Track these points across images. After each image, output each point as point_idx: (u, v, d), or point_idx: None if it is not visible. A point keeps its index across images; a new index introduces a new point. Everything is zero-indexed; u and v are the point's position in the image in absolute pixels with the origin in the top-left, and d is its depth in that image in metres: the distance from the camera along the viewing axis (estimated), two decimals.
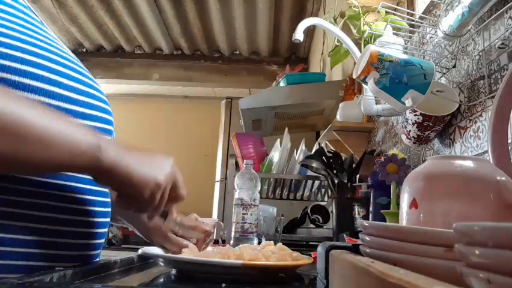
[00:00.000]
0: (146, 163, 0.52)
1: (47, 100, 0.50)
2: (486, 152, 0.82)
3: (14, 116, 0.41)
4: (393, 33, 1.26)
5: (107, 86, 4.23)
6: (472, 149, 0.89)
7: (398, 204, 0.89)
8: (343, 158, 1.38)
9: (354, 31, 1.35)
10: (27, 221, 0.51)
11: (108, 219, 0.64)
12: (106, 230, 0.63)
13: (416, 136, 1.00)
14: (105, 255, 0.71)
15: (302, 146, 1.60)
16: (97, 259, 0.63)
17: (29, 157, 0.43)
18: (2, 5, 0.52)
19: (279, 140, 1.71)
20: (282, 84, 1.93)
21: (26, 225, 0.51)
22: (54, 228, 0.53)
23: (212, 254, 0.61)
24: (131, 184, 0.50)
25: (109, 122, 0.61)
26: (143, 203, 0.53)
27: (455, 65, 1.00)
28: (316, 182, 1.66)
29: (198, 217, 0.79)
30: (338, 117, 1.61)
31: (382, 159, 0.95)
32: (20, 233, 0.50)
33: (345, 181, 1.30)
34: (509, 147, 0.60)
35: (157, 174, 0.52)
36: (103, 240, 0.63)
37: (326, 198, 1.75)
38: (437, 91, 0.95)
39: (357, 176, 1.25)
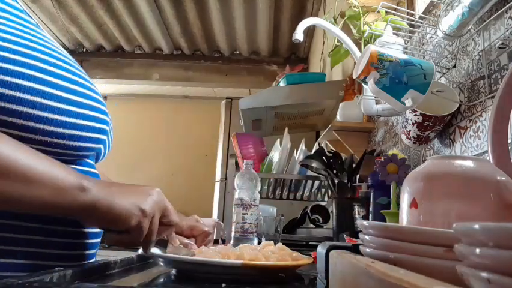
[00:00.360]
0: (130, 195, 0.53)
1: (40, 100, 0.50)
2: (486, 152, 0.82)
3: None
4: (393, 33, 1.26)
5: (107, 86, 4.23)
6: (472, 149, 0.89)
7: (398, 204, 0.89)
8: (343, 158, 1.38)
9: (354, 31, 1.35)
10: (22, 221, 0.51)
11: None
12: (96, 240, 0.63)
13: (416, 136, 1.00)
14: (105, 255, 0.71)
15: (302, 146, 1.60)
16: (93, 259, 0.63)
17: (10, 194, 0.44)
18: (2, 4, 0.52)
19: (279, 140, 1.71)
20: (282, 84, 1.93)
21: (16, 237, 0.51)
22: (48, 227, 0.54)
23: (212, 254, 0.61)
24: (115, 217, 0.51)
25: (104, 122, 0.60)
26: (132, 233, 0.53)
27: (455, 65, 1.00)
28: (316, 182, 1.66)
29: (198, 218, 0.79)
30: (338, 117, 1.61)
31: (382, 159, 0.95)
32: (16, 233, 0.51)
33: (345, 181, 1.30)
34: (509, 147, 0.60)
35: (140, 204, 0.53)
36: (98, 240, 0.63)
37: (326, 198, 1.75)
38: (437, 91, 0.95)
39: (357, 176, 1.25)
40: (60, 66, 0.55)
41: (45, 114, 0.50)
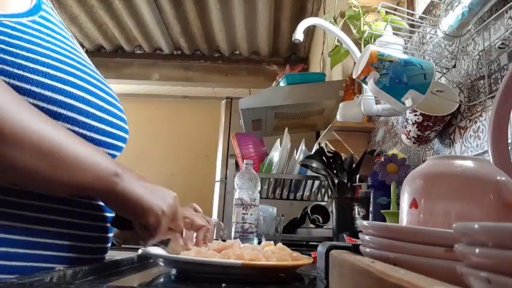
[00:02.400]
0: (154, 193, 0.57)
1: (62, 111, 0.53)
2: (486, 152, 0.82)
3: (51, 139, 0.46)
4: (393, 33, 1.26)
5: None
6: (472, 149, 0.89)
7: (398, 204, 0.89)
8: (343, 158, 1.38)
9: (354, 31, 1.35)
10: (39, 224, 0.53)
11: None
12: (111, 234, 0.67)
13: (416, 136, 1.00)
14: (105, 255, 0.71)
15: (302, 146, 1.60)
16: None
17: (57, 179, 0.48)
18: (42, 19, 0.56)
19: (279, 140, 1.71)
20: (282, 84, 1.93)
21: (39, 228, 0.53)
22: (67, 231, 0.56)
23: (212, 254, 0.61)
24: (140, 210, 0.55)
25: (124, 130, 0.65)
26: (149, 229, 0.58)
27: (455, 65, 1.00)
28: (316, 182, 1.66)
29: (197, 207, 0.81)
30: (338, 117, 1.61)
31: (382, 159, 0.95)
32: (24, 235, 0.52)
33: (345, 181, 1.30)
34: (509, 147, 0.60)
35: (162, 204, 0.57)
36: (109, 245, 0.67)
37: (326, 198, 1.75)
38: (437, 91, 0.95)
39: (357, 176, 1.25)
40: (91, 83, 0.58)
41: (74, 128, 0.54)
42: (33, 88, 0.50)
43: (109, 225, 0.65)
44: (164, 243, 0.68)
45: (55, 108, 0.51)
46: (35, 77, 0.50)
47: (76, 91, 0.54)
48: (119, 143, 0.63)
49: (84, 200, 0.59)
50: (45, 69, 0.51)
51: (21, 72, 0.49)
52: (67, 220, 0.56)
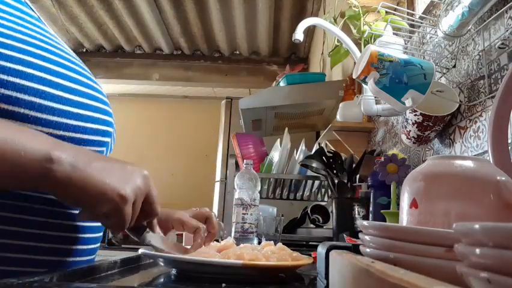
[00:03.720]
0: (111, 174, 0.47)
1: (38, 100, 0.47)
2: (486, 152, 0.82)
3: None
4: (393, 33, 1.26)
5: (107, 86, 4.22)
6: (472, 149, 0.89)
7: (398, 204, 0.89)
8: (343, 158, 1.38)
9: (354, 31, 1.35)
10: (10, 225, 0.49)
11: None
12: (96, 235, 0.60)
13: (416, 136, 1.00)
14: (105, 255, 0.71)
15: (302, 146, 1.60)
16: (94, 255, 0.61)
17: None
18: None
19: (279, 140, 1.71)
20: (282, 84, 1.93)
21: (10, 229, 0.49)
22: (38, 232, 0.51)
23: (212, 254, 0.61)
24: (89, 199, 0.46)
25: (108, 123, 0.58)
26: (110, 218, 0.48)
27: (455, 65, 1.00)
28: (316, 182, 1.66)
29: (213, 214, 0.78)
30: (338, 117, 1.61)
31: (382, 159, 0.95)
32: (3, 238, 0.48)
33: (345, 181, 1.30)
34: (509, 147, 0.60)
35: (120, 187, 0.47)
36: (91, 246, 0.60)
37: (326, 198, 1.75)
38: (437, 91, 0.95)
39: (357, 176, 1.25)
40: (61, 64, 0.52)
41: (44, 116, 0.48)
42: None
43: (83, 224, 0.57)
44: (138, 231, 0.59)
45: (24, 96, 0.46)
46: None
47: (37, 72, 0.48)
48: (98, 138, 0.55)
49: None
50: (8, 52, 0.46)
51: None
52: (41, 220, 0.51)
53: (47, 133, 0.48)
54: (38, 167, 0.42)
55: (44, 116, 0.48)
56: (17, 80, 0.46)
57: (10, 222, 0.49)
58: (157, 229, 0.62)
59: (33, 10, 0.57)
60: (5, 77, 0.45)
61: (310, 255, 0.71)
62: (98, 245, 0.63)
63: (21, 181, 0.44)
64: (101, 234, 0.62)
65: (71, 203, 0.50)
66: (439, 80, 1.06)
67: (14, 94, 0.45)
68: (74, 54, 0.58)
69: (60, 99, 0.50)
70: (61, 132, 0.49)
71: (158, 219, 0.63)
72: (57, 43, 0.55)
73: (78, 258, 0.57)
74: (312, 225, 1.60)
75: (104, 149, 0.58)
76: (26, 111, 0.46)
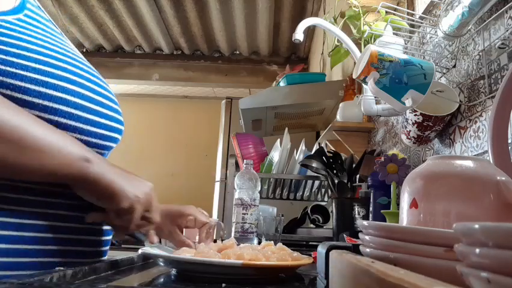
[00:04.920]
0: (128, 180, 0.57)
1: (64, 108, 0.53)
2: (486, 152, 0.82)
3: (11, 124, 0.45)
4: (393, 33, 1.26)
5: None
6: (472, 149, 0.89)
7: (398, 204, 0.89)
8: (343, 158, 1.38)
9: (354, 31, 1.35)
10: (39, 219, 0.54)
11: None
12: (109, 237, 0.66)
13: (416, 136, 1.00)
14: None
15: (302, 146, 1.60)
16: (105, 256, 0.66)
17: (22, 164, 0.47)
18: (30, 19, 0.56)
19: (279, 140, 1.71)
20: (282, 84, 1.93)
21: (40, 223, 0.53)
22: (68, 225, 0.57)
23: (212, 254, 0.61)
24: (111, 194, 0.54)
25: (118, 131, 0.64)
26: (123, 216, 0.57)
27: (455, 65, 1.00)
28: (317, 182, 1.66)
29: (202, 211, 0.80)
30: (338, 117, 1.61)
31: (382, 159, 0.95)
32: (32, 231, 0.53)
33: (345, 181, 1.30)
34: (509, 147, 0.60)
35: (136, 191, 0.57)
36: (107, 248, 0.67)
37: (326, 198, 1.75)
38: (437, 91, 0.95)
39: (357, 176, 1.25)
40: (84, 77, 0.58)
41: (69, 122, 0.54)
42: (28, 85, 0.50)
43: (103, 228, 0.64)
44: (138, 240, 0.67)
45: (50, 104, 0.51)
46: (28, 74, 0.50)
47: (70, 85, 0.54)
48: (115, 135, 0.63)
49: (73, 202, 0.58)
50: (37, 66, 0.51)
51: (13, 70, 0.49)
52: (57, 224, 0.56)
53: (68, 124, 0.54)
54: (77, 164, 0.51)
55: (69, 122, 0.54)
56: (44, 90, 0.52)
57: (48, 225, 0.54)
58: (154, 239, 0.69)
59: (55, 26, 0.64)
60: (34, 87, 0.51)
61: (310, 255, 0.71)
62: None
63: (62, 175, 0.51)
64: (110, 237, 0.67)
65: (95, 198, 0.56)
66: (439, 80, 1.06)
67: (45, 103, 0.51)
68: (90, 65, 0.64)
69: (82, 108, 0.56)
70: (79, 136, 0.56)
71: (171, 216, 0.74)
72: (79, 56, 0.62)
73: (102, 258, 0.65)
74: (312, 225, 1.60)
75: (114, 144, 0.65)
76: (52, 117, 0.52)
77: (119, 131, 0.64)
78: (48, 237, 0.54)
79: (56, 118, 0.52)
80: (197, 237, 0.77)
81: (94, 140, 0.58)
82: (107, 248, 0.66)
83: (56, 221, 0.56)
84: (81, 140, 0.56)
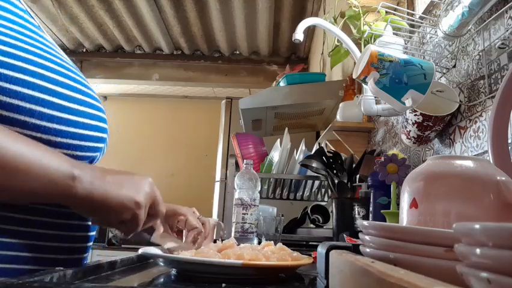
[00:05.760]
0: (124, 186, 0.53)
1: (38, 108, 0.49)
2: (486, 152, 0.82)
3: None
4: (393, 33, 1.26)
5: (107, 86, 4.23)
6: (472, 149, 0.89)
7: (398, 204, 0.89)
8: (343, 158, 1.38)
9: (354, 31, 1.35)
10: (17, 225, 0.51)
11: None
12: (93, 233, 0.64)
13: (416, 136, 1.00)
14: (105, 255, 0.71)
15: (302, 146, 1.60)
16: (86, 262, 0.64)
17: (8, 187, 0.44)
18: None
19: (279, 140, 1.71)
20: (282, 84, 1.93)
21: (17, 229, 0.51)
22: (45, 232, 0.54)
23: (212, 254, 0.61)
24: (110, 209, 0.51)
25: (103, 130, 0.60)
26: (127, 225, 0.55)
27: (455, 65, 1.00)
28: (316, 182, 1.66)
29: (195, 211, 0.80)
30: (338, 117, 1.61)
31: (382, 159, 0.95)
32: (10, 237, 0.50)
33: (345, 181, 1.30)
34: (509, 147, 0.60)
35: (135, 195, 0.53)
36: (90, 244, 0.64)
37: (326, 198, 1.75)
38: (437, 91, 0.95)
39: (357, 176, 1.25)
40: (60, 73, 0.53)
41: (43, 123, 0.49)
42: None
43: (89, 223, 0.61)
44: (147, 232, 0.67)
45: (16, 102, 0.47)
46: None
47: (38, 81, 0.49)
48: (93, 144, 0.58)
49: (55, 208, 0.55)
50: (10, 61, 0.47)
51: None
52: (46, 220, 0.54)
53: (46, 140, 0.50)
54: (62, 184, 0.47)
55: (44, 123, 0.50)
56: (19, 88, 0.47)
57: (24, 223, 0.51)
58: (161, 229, 0.68)
59: (33, 18, 0.58)
60: (6, 85, 0.46)
61: (310, 255, 0.71)
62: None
63: (46, 196, 0.48)
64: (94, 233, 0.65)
65: (90, 215, 0.54)
66: (439, 80, 1.06)
67: (15, 102, 0.47)
68: (70, 61, 0.59)
69: (59, 107, 0.52)
70: (59, 139, 0.51)
71: (165, 215, 0.69)
72: (56, 51, 0.56)
73: (85, 255, 0.62)
74: (312, 225, 1.60)
75: (98, 154, 0.60)
76: (27, 119, 0.48)
77: (102, 140, 0.60)
78: (26, 243, 0.52)
79: (32, 120, 0.48)
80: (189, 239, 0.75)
81: (78, 143, 0.55)
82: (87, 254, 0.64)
83: (37, 227, 0.53)
84: (63, 143, 0.52)
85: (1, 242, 0.49)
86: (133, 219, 0.54)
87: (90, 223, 0.61)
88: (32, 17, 0.58)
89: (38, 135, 0.49)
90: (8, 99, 0.46)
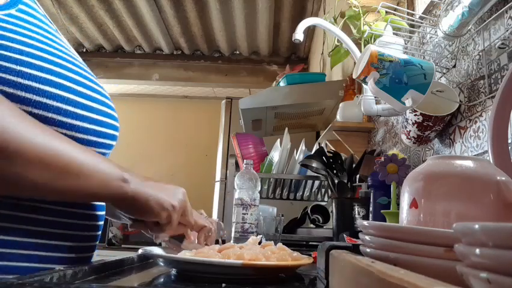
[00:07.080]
0: (163, 191, 0.60)
1: (64, 106, 0.53)
2: (486, 152, 0.82)
3: (55, 151, 0.47)
4: (393, 33, 1.26)
5: (107, 86, 4.22)
6: (472, 149, 0.89)
7: (398, 204, 0.89)
8: (343, 158, 1.38)
9: (354, 31, 1.35)
10: (27, 224, 0.52)
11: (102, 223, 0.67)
12: (99, 232, 0.67)
13: (416, 136, 1.00)
14: (105, 255, 0.72)
15: (302, 146, 1.60)
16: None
17: (65, 188, 0.49)
18: (23, 14, 0.55)
19: (279, 140, 1.71)
20: (282, 84, 1.93)
21: (28, 228, 0.53)
22: (54, 231, 0.56)
23: (212, 254, 0.61)
24: (150, 209, 0.57)
25: (115, 128, 0.64)
26: (162, 225, 0.61)
27: (455, 65, 1.00)
28: (316, 182, 1.66)
29: (203, 212, 0.81)
30: (338, 117, 1.61)
31: (382, 159, 0.95)
32: (21, 236, 0.52)
33: (345, 181, 1.30)
34: (509, 147, 0.60)
35: (172, 200, 0.60)
36: (97, 243, 0.66)
37: (326, 198, 1.75)
38: (437, 91, 0.95)
39: (357, 176, 1.25)
40: (79, 73, 0.58)
41: (68, 120, 0.54)
42: (20, 80, 0.49)
43: (100, 223, 0.65)
44: (177, 239, 0.70)
45: (44, 100, 0.51)
46: (21, 68, 0.49)
47: (64, 81, 0.54)
48: (108, 141, 0.62)
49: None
50: (30, 60, 0.50)
51: (4, 63, 0.48)
52: (55, 220, 0.56)
53: (70, 136, 0.54)
54: (115, 184, 0.54)
55: (69, 120, 0.54)
56: (48, 88, 0.52)
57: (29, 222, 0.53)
58: (192, 238, 0.71)
59: (51, 22, 0.63)
60: (36, 84, 0.50)
61: (310, 255, 0.71)
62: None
63: (99, 196, 0.55)
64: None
65: (133, 213, 0.60)
66: (439, 80, 1.06)
67: (44, 100, 0.51)
68: (84, 63, 0.64)
69: (81, 106, 0.56)
70: (81, 135, 0.56)
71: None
72: (72, 53, 0.61)
73: (92, 253, 0.65)
74: (312, 225, 1.60)
75: (110, 151, 0.64)
76: (54, 116, 0.52)
77: (113, 137, 0.64)
78: (37, 242, 0.54)
79: (59, 117, 0.52)
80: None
81: (96, 139, 0.58)
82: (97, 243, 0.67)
83: (45, 226, 0.55)
84: (84, 140, 0.56)
85: (13, 241, 0.51)
86: (168, 220, 0.60)
87: (98, 223, 0.64)
88: (50, 22, 0.63)
89: (63, 131, 0.53)
90: (37, 98, 0.50)
